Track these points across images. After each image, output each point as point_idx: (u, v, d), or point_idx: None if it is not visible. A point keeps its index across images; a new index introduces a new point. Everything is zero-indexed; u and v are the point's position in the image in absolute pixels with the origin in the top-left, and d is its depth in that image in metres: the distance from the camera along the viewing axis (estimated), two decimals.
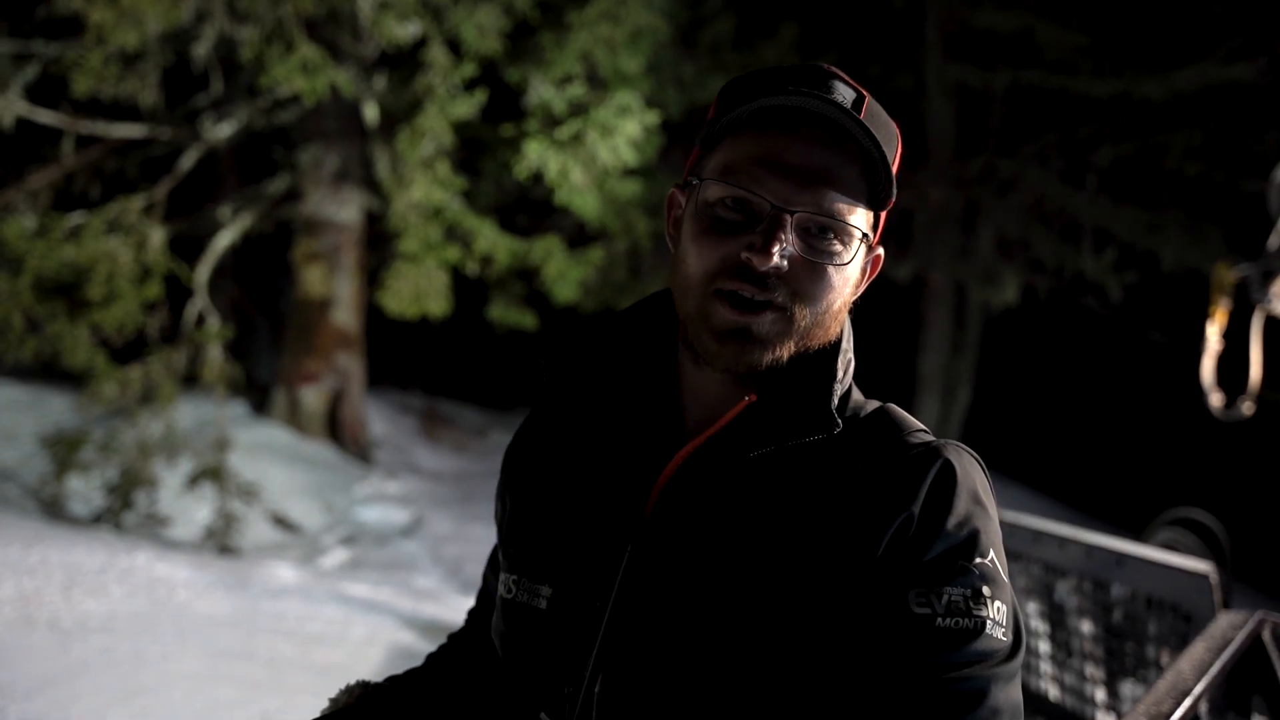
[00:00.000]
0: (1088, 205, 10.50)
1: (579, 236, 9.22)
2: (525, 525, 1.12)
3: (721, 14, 9.24)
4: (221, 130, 8.25)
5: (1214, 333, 4.26)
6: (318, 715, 1.16)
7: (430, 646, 4.36)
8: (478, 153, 8.61)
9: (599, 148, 7.22)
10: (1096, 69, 10.05)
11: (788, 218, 0.95)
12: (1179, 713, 1.46)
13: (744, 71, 1.20)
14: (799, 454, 0.99)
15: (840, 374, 1.02)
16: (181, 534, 6.87)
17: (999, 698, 0.89)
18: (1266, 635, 1.86)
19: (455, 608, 5.77)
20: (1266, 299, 4.07)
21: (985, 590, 0.92)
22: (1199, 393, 4.33)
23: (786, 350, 0.98)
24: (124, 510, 6.74)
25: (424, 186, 7.42)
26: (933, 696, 0.88)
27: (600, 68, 7.54)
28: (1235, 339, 4.30)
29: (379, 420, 10.65)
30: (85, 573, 4.97)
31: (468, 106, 7.35)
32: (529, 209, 9.87)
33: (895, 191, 0.99)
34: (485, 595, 1.28)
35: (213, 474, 6.88)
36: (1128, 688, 2.70)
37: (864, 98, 0.98)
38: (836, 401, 1.00)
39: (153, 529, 6.83)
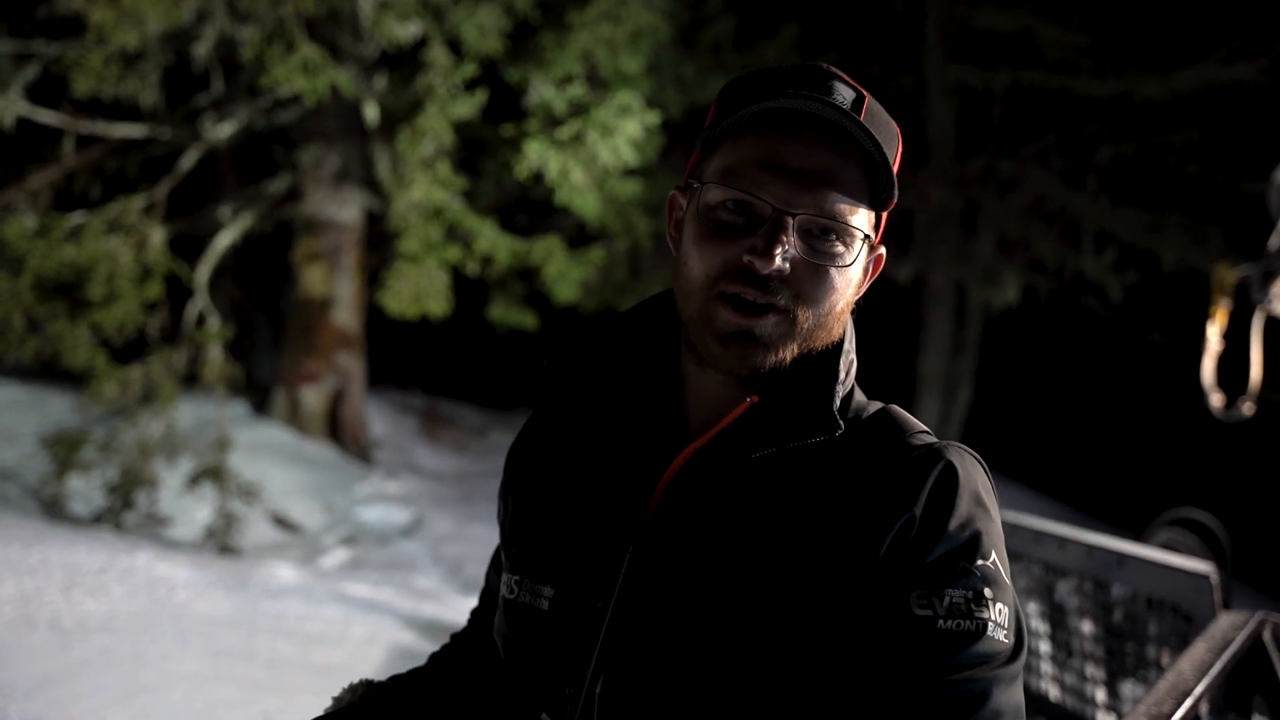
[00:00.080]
0: (1088, 205, 10.50)
1: (579, 236, 9.22)
2: (527, 526, 1.12)
3: (722, 14, 9.24)
4: (222, 130, 8.25)
5: (1214, 333, 4.26)
6: (322, 714, 1.17)
7: (430, 646, 4.37)
8: (478, 153, 8.61)
9: (599, 148, 7.22)
10: (1097, 69, 10.06)
11: (789, 220, 0.95)
12: (1180, 713, 1.46)
13: (745, 71, 1.20)
14: (801, 455, 0.99)
15: (842, 375, 1.02)
16: (182, 534, 6.87)
17: (1001, 699, 0.89)
18: (1267, 636, 1.86)
19: (455, 608, 5.77)
20: (1267, 299, 4.07)
21: (987, 592, 0.91)
22: (1199, 393, 4.33)
23: (789, 352, 0.98)
24: (124, 510, 6.74)
25: (424, 186, 7.42)
26: (934, 698, 0.88)
27: (601, 68, 7.54)
28: (1236, 339, 4.30)
29: (379, 420, 10.65)
30: (86, 572, 4.97)
31: (468, 106, 7.35)
32: (529, 209, 9.87)
33: (896, 192, 0.99)
34: (488, 595, 1.28)
35: (213, 474, 6.88)
36: (1128, 688, 2.70)
37: (864, 98, 0.98)
38: (838, 403, 1.00)
39: (153, 529, 6.83)
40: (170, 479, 7.07)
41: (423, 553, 7.38)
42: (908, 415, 1.05)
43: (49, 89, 7.43)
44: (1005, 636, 0.91)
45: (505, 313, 9.32)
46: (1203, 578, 2.35)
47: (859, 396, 1.07)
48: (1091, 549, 2.73)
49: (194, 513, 7.05)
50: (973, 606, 0.90)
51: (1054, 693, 2.95)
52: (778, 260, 0.94)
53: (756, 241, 0.95)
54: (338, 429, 9.25)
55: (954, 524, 0.93)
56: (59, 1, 6.31)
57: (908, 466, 0.96)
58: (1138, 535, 4.69)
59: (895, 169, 1.01)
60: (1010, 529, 2.96)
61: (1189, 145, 10.52)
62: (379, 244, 9.41)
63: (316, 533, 7.50)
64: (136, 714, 3.58)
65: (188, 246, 8.51)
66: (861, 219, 0.98)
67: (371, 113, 7.91)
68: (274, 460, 8.12)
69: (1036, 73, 10.38)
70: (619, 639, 0.98)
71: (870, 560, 0.93)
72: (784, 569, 0.94)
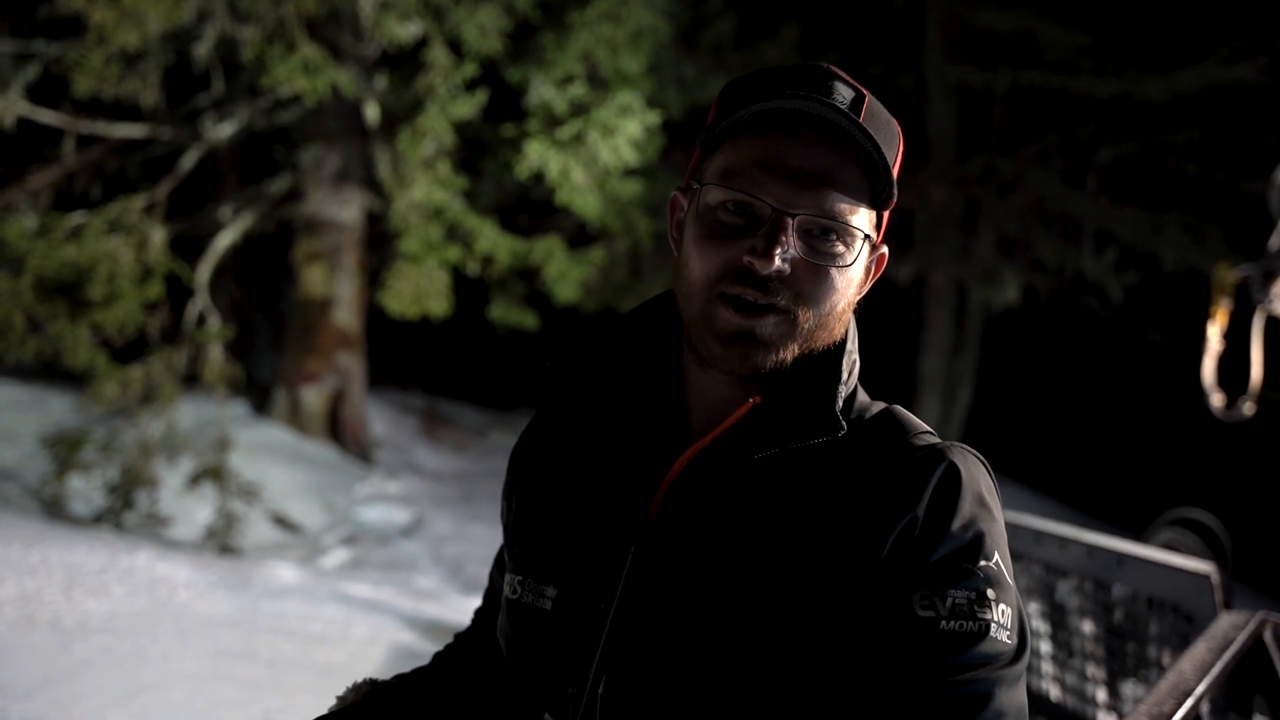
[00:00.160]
0: (1088, 205, 10.50)
1: (580, 236, 9.22)
2: (531, 526, 1.12)
3: (723, 14, 9.25)
4: (222, 130, 8.25)
5: (1215, 333, 4.26)
6: (326, 712, 1.17)
7: (431, 646, 4.37)
8: (479, 153, 8.61)
9: (600, 148, 7.22)
10: (1097, 69, 10.06)
11: (789, 220, 0.95)
12: (1180, 713, 1.46)
13: (745, 71, 1.20)
14: (804, 456, 0.99)
15: (845, 375, 1.02)
16: (182, 534, 6.87)
17: (1003, 700, 0.89)
18: (1268, 636, 1.86)
19: (456, 608, 5.77)
20: (1267, 299, 4.07)
21: (990, 593, 0.91)
22: (1200, 393, 4.33)
23: (790, 352, 0.98)
24: (125, 510, 6.74)
25: (425, 186, 7.42)
26: (937, 699, 0.88)
27: (601, 68, 7.54)
28: (1236, 339, 4.30)
29: (380, 420, 10.65)
30: (86, 572, 4.97)
31: (469, 106, 7.35)
32: (530, 209, 9.87)
33: (896, 191, 0.99)
34: (492, 595, 1.28)
35: (213, 474, 6.89)
36: (1129, 688, 2.70)
37: (864, 97, 0.98)
38: (841, 403, 1.00)
39: (154, 529, 6.83)
40: (171, 479, 7.08)
41: (423, 553, 7.38)
42: (911, 415, 1.05)
43: (50, 89, 7.43)
44: (1008, 637, 0.91)
45: (506, 313, 9.32)
46: (1203, 578, 2.35)
47: (862, 397, 1.07)
48: (1092, 549, 2.73)
49: (194, 513, 7.05)
50: (975, 607, 0.90)
51: (1055, 693, 2.95)
52: (777, 261, 0.94)
53: (756, 242, 0.95)
54: (338, 429, 9.25)
55: (957, 525, 0.93)
56: (60, 1, 6.31)
57: (910, 467, 0.96)
58: (1138, 535, 4.69)
59: (896, 168, 1.01)
60: (1011, 529, 2.94)
61: (1189, 145, 10.52)
62: (379, 244, 9.41)
63: (317, 533, 7.50)
64: (137, 714, 3.58)
65: (188, 246, 8.51)
66: (862, 219, 0.98)
67: (372, 113, 7.91)
68: (274, 460, 8.12)
69: (1037, 73, 10.38)
70: (621, 639, 0.98)
71: (873, 561, 0.93)
72: (786, 569, 0.94)
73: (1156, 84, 9.66)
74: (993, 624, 0.90)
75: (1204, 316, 4.32)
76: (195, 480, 6.91)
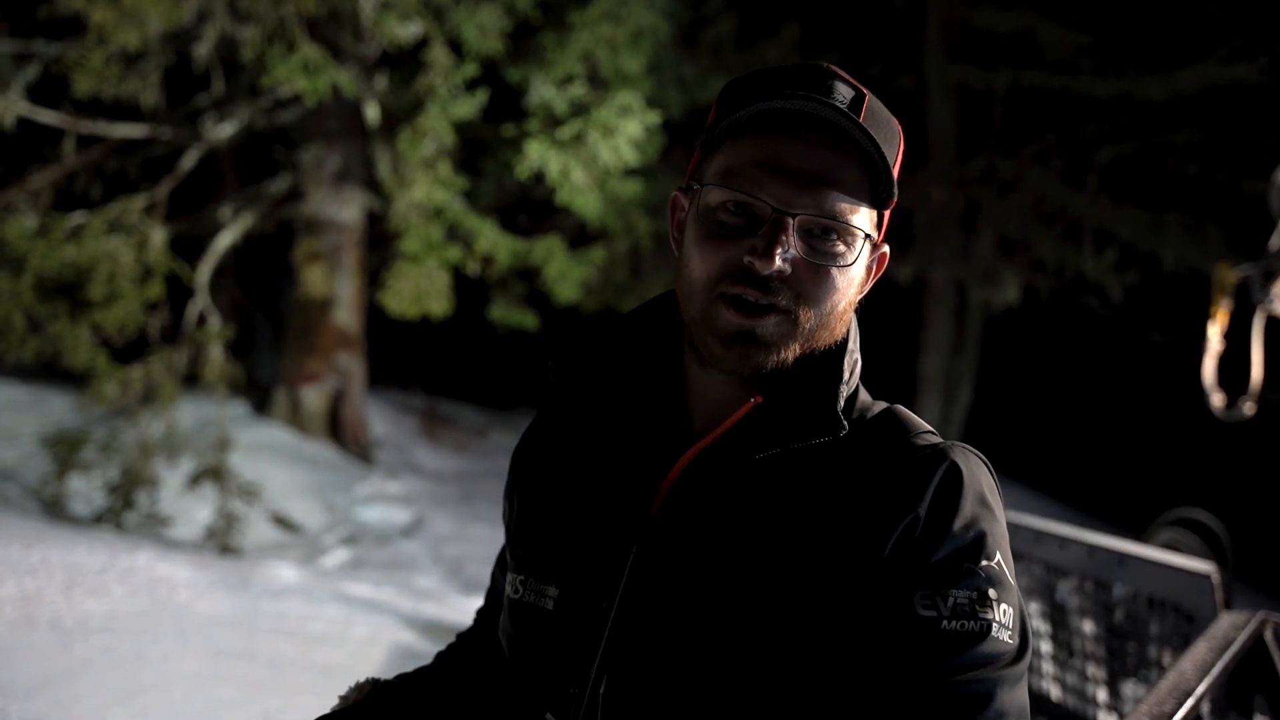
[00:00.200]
0: (1089, 205, 10.50)
1: (580, 236, 9.22)
2: (532, 526, 1.12)
3: (723, 14, 9.25)
4: (223, 130, 8.25)
5: (1215, 333, 4.26)
6: (329, 711, 1.17)
7: (431, 646, 4.37)
8: (479, 153, 8.61)
9: (600, 148, 7.22)
10: (1098, 69, 10.06)
11: (789, 220, 0.95)
12: (1181, 712, 1.46)
13: (746, 71, 1.20)
14: (805, 455, 0.99)
15: (846, 375, 1.02)
16: (182, 534, 6.87)
17: (1005, 700, 0.89)
18: (1268, 635, 1.86)
19: (456, 608, 5.77)
20: (1268, 299, 4.07)
21: (991, 593, 0.91)
22: (1200, 393, 4.33)
23: (791, 352, 0.98)
24: (125, 510, 6.74)
25: (425, 186, 7.42)
26: (938, 699, 0.88)
27: (602, 68, 7.54)
28: (1236, 339, 4.30)
29: (380, 420, 10.65)
30: (86, 572, 4.98)
31: (469, 106, 7.35)
32: (530, 209, 9.87)
33: (896, 191, 0.99)
34: (494, 594, 1.29)
35: (214, 474, 6.89)
36: (1129, 688, 2.70)
37: (864, 97, 0.98)
38: (842, 403, 1.00)
39: (154, 529, 6.83)
40: (171, 479, 7.08)
41: (423, 553, 7.38)
42: (913, 415, 1.05)
43: (50, 89, 7.43)
44: (1010, 637, 0.91)
45: (506, 313, 9.32)
46: (1204, 577, 2.35)
47: (864, 396, 1.07)
48: (1093, 549, 2.73)
49: (195, 513, 7.05)
50: (977, 607, 0.90)
51: (1055, 692, 2.95)
52: (778, 261, 0.94)
53: (757, 242, 0.95)
54: (338, 429, 9.25)
55: (958, 524, 0.93)
56: (60, 1, 6.31)
57: (912, 467, 0.96)
58: (1139, 535, 4.69)
59: (897, 167, 1.01)
60: (1012, 529, 2.94)
61: (1189, 145, 10.52)
62: (380, 244, 9.41)
63: (317, 533, 7.50)
64: (137, 714, 3.58)
65: (188, 246, 8.51)
66: (862, 218, 0.98)
67: (372, 113, 7.91)
68: (274, 460, 8.12)
69: (1037, 73, 10.38)
70: (623, 639, 0.98)
71: (874, 560, 0.93)
72: (787, 569, 0.94)
73: (1156, 84, 9.66)
74: (994, 624, 0.90)
75: (1204, 316, 4.32)
76: (195, 480, 6.91)
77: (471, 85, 7.55)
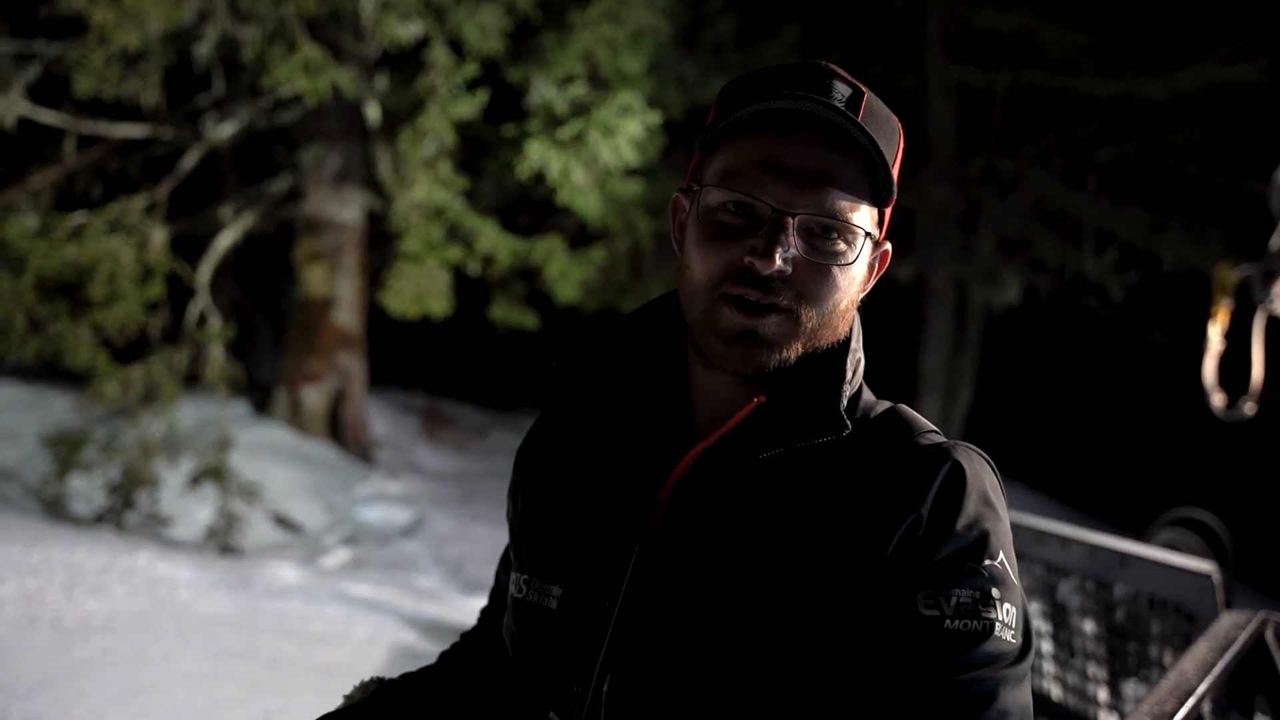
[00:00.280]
0: (1089, 205, 10.50)
1: (580, 236, 9.22)
2: (536, 525, 1.12)
3: (723, 14, 9.25)
4: (223, 130, 8.25)
5: (1215, 333, 4.25)
6: (334, 710, 1.17)
7: (432, 646, 4.37)
8: (479, 153, 8.61)
9: (601, 148, 7.22)
10: (1098, 69, 10.06)
11: (789, 220, 0.95)
12: (1182, 712, 1.47)
13: (746, 71, 1.20)
14: (808, 455, 0.99)
15: (849, 374, 1.02)
16: (183, 534, 6.87)
17: (1008, 700, 0.89)
18: (1269, 635, 1.86)
19: (457, 608, 5.77)
20: (1268, 299, 4.07)
21: (994, 592, 0.92)
22: (1200, 393, 4.33)
23: (794, 351, 0.98)
24: (126, 510, 6.74)
25: (426, 186, 7.42)
26: (941, 699, 0.88)
27: (602, 68, 7.54)
28: (1237, 339, 4.30)
29: (380, 420, 10.65)
30: (87, 572, 4.98)
31: (469, 106, 7.35)
32: (530, 209, 9.87)
33: (896, 188, 0.99)
34: (497, 594, 1.29)
35: (214, 474, 6.89)
36: (1130, 687, 2.70)
37: (862, 95, 0.98)
38: (846, 402, 1.00)
39: (154, 529, 6.83)
40: (171, 479, 7.08)
41: (424, 553, 7.38)
42: (916, 415, 1.05)
43: (50, 89, 7.43)
44: (1013, 637, 0.91)
45: (506, 313, 9.32)
46: (1205, 577, 2.35)
47: (867, 396, 1.07)
48: (1094, 549, 2.73)
49: (195, 513, 7.05)
50: (980, 607, 0.90)
51: (1056, 692, 2.95)
52: (778, 261, 0.94)
53: (757, 243, 0.95)
54: (339, 429, 9.25)
55: (961, 524, 0.94)
56: (61, 1, 6.31)
57: (915, 466, 0.96)
58: (1139, 535, 4.69)
59: (897, 164, 1.01)
60: (1013, 529, 2.94)
61: (1190, 145, 10.52)
62: (380, 244, 9.41)
63: (318, 533, 7.50)
64: (138, 713, 3.58)
65: (189, 246, 8.51)
66: (863, 216, 0.98)
67: (373, 113, 7.91)
68: (275, 460, 8.12)
69: (1037, 73, 10.37)
70: (626, 638, 0.98)
71: (877, 560, 0.93)
72: (791, 568, 0.94)
73: (1157, 84, 9.66)
74: (997, 623, 0.90)
75: (1204, 316, 4.32)
76: (196, 480, 6.92)
77: (472, 85, 7.55)
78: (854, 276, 1.00)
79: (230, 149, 9.68)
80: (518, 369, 12.53)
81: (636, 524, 1.02)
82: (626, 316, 1.15)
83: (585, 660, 1.00)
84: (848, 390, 1.01)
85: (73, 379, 7.67)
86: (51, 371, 7.95)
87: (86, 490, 6.89)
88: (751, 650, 0.93)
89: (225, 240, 8.62)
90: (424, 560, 7.19)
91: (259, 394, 9.59)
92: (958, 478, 0.96)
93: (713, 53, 9.09)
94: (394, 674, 1.24)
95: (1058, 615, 2.95)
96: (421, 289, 7.93)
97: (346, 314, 9.22)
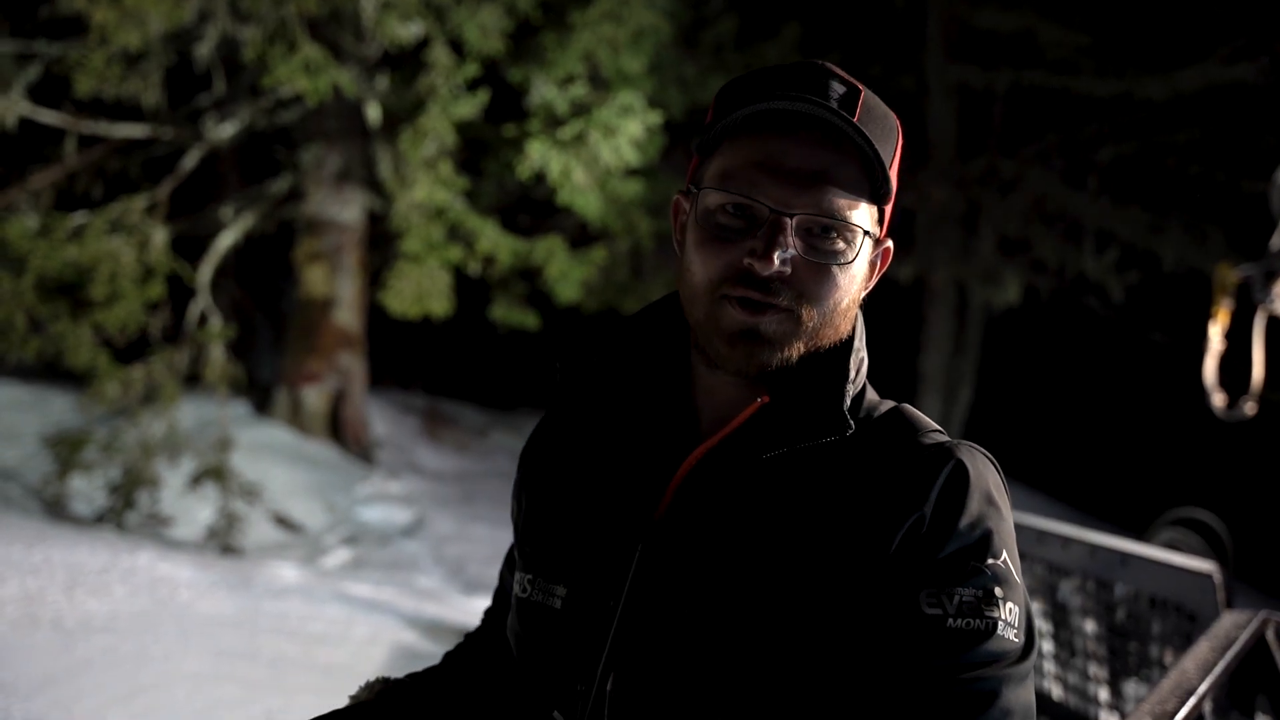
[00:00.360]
0: (1089, 205, 10.50)
1: (581, 236, 9.22)
2: (540, 525, 1.13)
3: (724, 14, 9.25)
4: (224, 130, 8.25)
5: (1216, 333, 4.26)
6: (339, 709, 1.17)
7: (432, 646, 4.37)
8: (480, 153, 8.61)
9: (601, 148, 7.22)
10: (1098, 69, 10.06)
11: (788, 221, 0.95)
12: (1183, 712, 1.47)
13: (746, 71, 1.21)
14: (812, 455, 0.99)
15: (852, 374, 1.02)
16: (184, 534, 6.87)
17: (1010, 699, 0.89)
18: (1270, 635, 1.86)
19: (457, 608, 5.77)
20: (1269, 299, 4.07)
21: (997, 591, 0.92)
22: (1201, 393, 4.33)
23: (796, 350, 0.99)
24: (126, 510, 6.75)
25: (426, 186, 7.42)
26: (944, 697, 0.88)
27: (603, 68, 7.54)
28: (1237, 339, 4.30)
29: (381, 420, 10.65)
30: (88, 572, 4.98)
31: (470, 106, 7.36)
32: (531, 209, 9.87)
33: (894, 187, 1.00)
34: (502, 594, 1.29)
35: (215, 474, 6.89)
36: (1131, 687, 2.70)
37: (859, 93, 0.98)
38: (849, 402, 1.00)
39: (155, 529, 6.84)
40: (172, 479, 7.08)
41: (424, 553, 7.38)
42: (920, 414, 1.05)
43: (51, 89, 7.43)
44: (1015, 636, 0.91)
45: (507, 313, 9.32)
46: (1206, 577, 2.35)
47: (870, 395, 1.07)
48: (1094, 548, 2.73)
49: (196, 513, 7.05)
50: (983, 605, 0.91)
51: (1057, 692, 2.96)
52: (777, 262, 0.94)
53: (755, 244, 0.95)
54: (339, 429, 9.25)
55: (964, 522, 0.94)
56: (61, 2, 6.31)
57: (918, 465, 0.97)
58: (1140, 535, 4.69)
59: (896, 161, 1.01)
60: (1015, 529, 2.95)
61: (1190, 145, 10.52)
62: (381, 244, 9.41)
63: (318, 533, 7.50)
64: (138, 713, 3.58)
65: (190, 246, 8.51)
66: (862, 215, 0.98)
67: (373, 113, 7.91)
68: (276, 460, 8.12)
69: (1038, 73, 10.37)
70: (629, 637, 0.98)
71: (880, 558, 0.93)
72: (794, 568, 0.94)
73: (1157, 84, 9.65)
74: (1000, 622, 0.90)
75: (1205, 316, 4.32)
76: (197, 480, 6.92)
77: (473, 85, 7.55)
78: (854, 275, 1.00)
79: (231, 149, 9.67)
80: (518, 369, 12.53)
81: (640, 523, 1.02)
82: (629, 317, 1.15)
83: (589, 659, 1.00)
84: (851, 390, 1.01)
85: (73, 379, 7.68)
86: (52, 371, 7.95)
87: (87, 490, 6.89)
88: (754, 649, 0.93)
89: (226, 240, 8.62)
90: (424, 560, 7.19)
91: (259, 394, 9.59)
92: (961, 476, 0.96)
93: (713, 53, 9.09)
94: (395, 674, 1.25)
95: (1059, 615, 2.95)
96: (422, 289, 7.93)
97: (347, 314, 9.22)
